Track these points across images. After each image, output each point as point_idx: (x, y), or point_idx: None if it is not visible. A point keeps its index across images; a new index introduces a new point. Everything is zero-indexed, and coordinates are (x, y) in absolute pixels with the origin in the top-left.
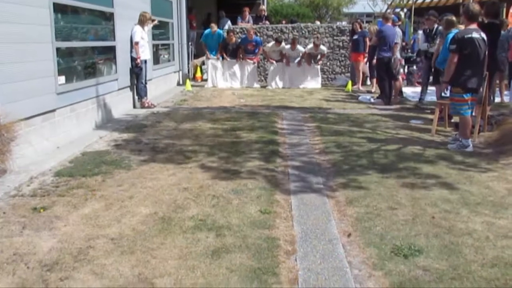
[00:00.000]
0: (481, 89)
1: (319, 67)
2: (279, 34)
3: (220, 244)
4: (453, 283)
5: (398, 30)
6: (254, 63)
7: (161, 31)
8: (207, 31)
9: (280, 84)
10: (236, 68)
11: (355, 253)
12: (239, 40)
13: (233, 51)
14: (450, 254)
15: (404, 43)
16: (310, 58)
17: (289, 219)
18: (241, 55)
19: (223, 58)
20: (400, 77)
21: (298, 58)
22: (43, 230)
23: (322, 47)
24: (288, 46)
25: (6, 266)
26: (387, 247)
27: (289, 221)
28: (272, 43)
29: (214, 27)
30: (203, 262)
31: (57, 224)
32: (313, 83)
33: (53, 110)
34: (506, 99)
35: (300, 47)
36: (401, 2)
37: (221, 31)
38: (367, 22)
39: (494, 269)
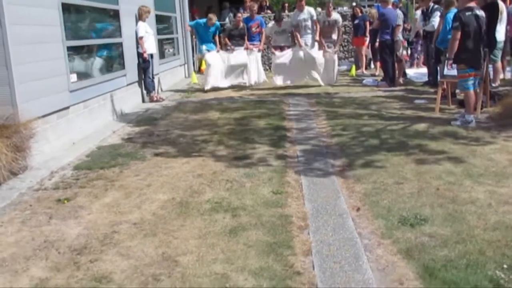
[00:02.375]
0: (482, 65)
1: (336, 56)
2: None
3: (237, 223)
4: (457, 247)
5: (399, 12)
6: (259, 51)
7: (164, 25)
8: (200, 20)
9: (289, 80)
10: (242, 60)
11: (364, 225)
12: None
13: (239, 38)
14: (454, 221)
15: (406, 25)
16: (322, 37)
17: (300, 198)
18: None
19: (227, 48)
20: (403, 59)
21: (312, 39)
22: (69, 219)
23: (335, 15)
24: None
25: (39, 252)
26: (394, 218)
27: (300, 200)
28: (271, 23)
29: (212, 18)
30: (222, 240)
31: (82, 213)
32: (326, 77)
33: (67, 107)
34: (508, 75)
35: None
36: None
37: (218, 24)
38: (368, 6)
39: (496, 232)
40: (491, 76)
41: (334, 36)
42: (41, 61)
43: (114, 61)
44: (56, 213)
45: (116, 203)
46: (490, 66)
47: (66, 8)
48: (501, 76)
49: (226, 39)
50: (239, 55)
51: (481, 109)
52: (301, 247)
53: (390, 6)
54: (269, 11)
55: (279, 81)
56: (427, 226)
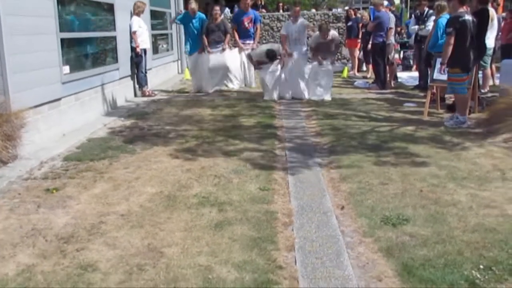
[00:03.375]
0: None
1: (331, 67)
2: (276, 22)
3: (223, 217)
4: (436, 247)
5: (392, 16)
6: (253, 50)
7: (159, 21)
8: (179, 16)
9: (288, 94)
10: (228, 61)
11: (347, 223)
12: (230, 19)
13: (218, 36)
14: (435, 222)
15: (399, 29)
16: (318, 52)
17: (286, 195)
18: (234, 40)
19: (207, 50)
20: (394, 62)
21: (305, 49)
22: (57, 208)
23: (333, 32)
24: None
25: (26, 239)
26: (377, 217)
27: (286, 197)
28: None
29: (192, 2)
30: (207, 233)
31: (70, 203)
32: (323, 92)
33: (59, 99)
34: (497, 81)
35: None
36: None
37: (204, 16)
38: (363, 8)
39: (475, 234)
40: (480, 82)
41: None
42: (35, 52)
43: (107, 54)
44: (44, 202)
45: (105, 194)
46: (480, 72)
47: (61, 0)
48: (491, 82)
49: (205, 38)
50: (216, 56)
51: (469, 114)
52: (285, 243)
53: (383, 9)
54: (263, 10)
55: (276, 95)
56: (408, 226)
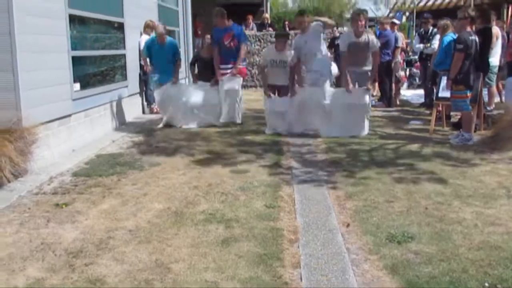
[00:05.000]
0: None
1: (367, 96)
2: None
3: (229, 234)
4: (441, 264)
5: (399, 35)
6: (236, 76)
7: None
8: (149, 39)
9: (299, 128)
10: (207, 94)
11: (352, 240)
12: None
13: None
14: (440, 240)
15: (405, 46)
16: (350, 62)
17: (292, 212)
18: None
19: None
20: (401, 80)
21: (334, 70)
22: (66, 223)
23: (368, 34)
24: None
25: (36, 253)
26: (383, 235)
27: (292, 214)
28: (268, 47)
29: (159, 28)
30: (214, 249)
31: (79, 218)
32: (356, 127)
33: (69, 115)
34: (504, 98)
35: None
36: (403, 6)
37: (175, 42)
38: (369, 26)
39: (480, 252)
40: (486, 100)
41: (368, 66)
42: (47, 69)
43: (116, 72)
44: (53, 217)
45: (113, 210)
46: (485, 89)
47: (73, 19)
48: (497, 99)
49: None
50: (195, 89)
51: (475, 131)
52: (291, 260)
53: (388, 28)
54: (270, 29)
55: (280, 129)
56: (413, 244)
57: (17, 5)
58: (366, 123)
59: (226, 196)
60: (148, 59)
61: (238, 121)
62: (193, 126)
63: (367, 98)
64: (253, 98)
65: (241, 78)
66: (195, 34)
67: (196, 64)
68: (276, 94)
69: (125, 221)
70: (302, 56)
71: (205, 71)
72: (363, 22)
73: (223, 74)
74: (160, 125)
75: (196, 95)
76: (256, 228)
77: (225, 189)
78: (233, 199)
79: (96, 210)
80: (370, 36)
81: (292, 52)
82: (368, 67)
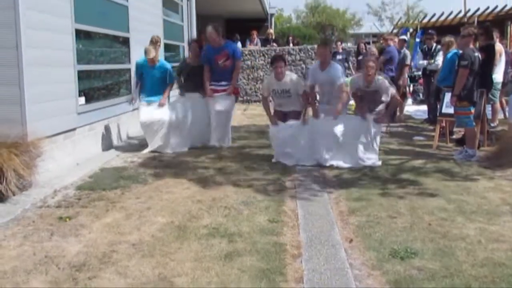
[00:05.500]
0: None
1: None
2: (286, 56)
3: (232, 248)
4: (444, 280)
5: (407, 52)
6: (229, 95)
7: (171, 53)
8: (140, 59)
9: (307, 160)
10: (195, 115)
11: (356, 256)
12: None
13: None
14: (444, 256)
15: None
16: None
17: (295, 227)
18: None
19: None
20: (408, 96)
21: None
22: (70, 237)
23: (379, 81)
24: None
25: (39, 266)
26: (386, 251)
27: (296, 229)
28: (268, 77)
29: (151, 52)
30: (217, 264)
31: (82, 231)
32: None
33: (74, 129)
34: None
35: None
36: (407, 22)
37: (167, 66)
38: (373, 42)
39: (484, 269)
40: (489, 116)
41: (381, 106)
42: (52, 83)
43: (121, 86)
44: (57, 230)
45: (116, 223)
46: (489, 106)
47: (79, 34)
48: (501, 115)
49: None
50: (183, 110)
51: (478, 148)
52: (293, 275)
53: (392, 44)
54: (274, 44)
55: (287, 160)
56: (416, 260)
57: (24, 20)
58: (376, 150)
59: (230, 211)
60: (137, 82)
61: (227, 144)
62: (183, 149)
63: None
64: (257, 113)
65: (234, 98)
66: (200, 49)
67: (181, 74)
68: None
69: (128, 235)
70: (318, 86)
71: (192, 78)
72: (374, 71)
73: (215, 91)
74: (145, 151)
75: (184, 113)
76: (259, 243)
77: (228, 203)
78: (236, 213)
79: (99, 224)
80: (380, 82)
81: (297, 79)
82: (380, 107)
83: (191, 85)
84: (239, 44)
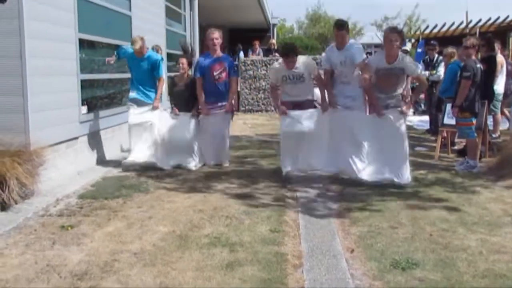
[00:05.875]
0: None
1: (403, 124)
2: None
3: (233, 258)
4: None
5: None
6: (227, 112)
7: (174, 63)
8: (126, 47)
9: (321, 163)
10: (190, 131)
11: (357, 266)
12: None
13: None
14: (445, 267)
15: None
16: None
17: (296, 237)
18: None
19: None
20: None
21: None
22: (72, 245)
23: (402, 55)
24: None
25: (41, 275)
26: (387, 261)
27: (297, 239)
28: (277, 63)
29: (137, 43)
30: (218, 273)
31: (84, 240)
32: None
33: (76, 138)
34: (506, 125)
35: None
36: (409, 33)
37: (157, 57)
38: (375, 52)
39: (485, 280)
40: (491, 127)
41: (399, 90)
42: (55, 92)
43: (124, 95)
44: (59, 239)
45: (118, 232)
46: (490, 116)
47: (82, 43)
48: (506, 126)
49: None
50: (178, 123)
51: (480, 159)
52: (294, 285)
53: None
54: (276, 54)
55: (292, 166)
56: (418, 270)
57: (28, 29)
58: (407, 165)
59: (231, 220)
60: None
61: (227, 164)
62: (167, 167)
63: (402, 123)
64: (259, 123)
65: (230, 116)
66: (189, 65)
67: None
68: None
69: (130, 244)
70: (335, 70)
71: (180, 102)
72: (398, 44)
73: (208, 113)
74: (127, 160)
75: (172, 128)
76: (260, 253)
77: (229, 213)
78: (237, 223)
79: (101, 233)
80: (406, 57)
81: (308, 58)
82: (399, 92)
83: (180, 106)
84: (241, 54)
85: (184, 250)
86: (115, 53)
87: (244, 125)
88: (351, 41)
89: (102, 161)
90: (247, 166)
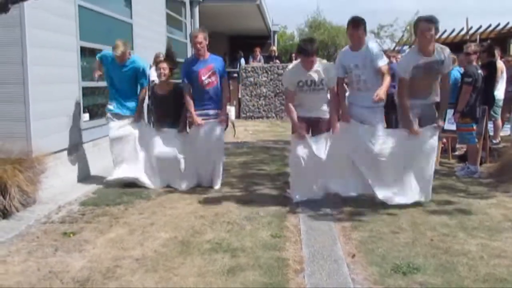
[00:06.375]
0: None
1: (435, 141)
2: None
3: (235, 263)
4: None
5: None
6: (218, 124)
7: (175, 70)
8: (106, 52)
9: (340, 188)
10: (180, 148)
11: (358, 271)
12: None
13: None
14: (446, 272)
15: None
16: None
17: (298, 242)
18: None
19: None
20: None
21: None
22: (74, 252)
23: (441, 50)
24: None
25: (44, 282)
26: (388, 266)
27: (298, 244)
28: (292, 67)
29: (118, 48)
30: (220, 279)
31: (86, 247)
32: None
33: (78, 145)
34: (507, 131)
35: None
36: (409, 40)
37: (142, 63)
38: None
39: (485, 284)
40: (491, 133)
41: (435, 97)
42: (57, 100)
43: None
44: (61, 246)
45: (120, 239)
46: (490, 122)
47: (84, 51)
48: (508, 132)
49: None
50: (165, 139)
51: (481, 164)
52: None
53: (394, 61)
54: (277, 61)
55: (307, 193)
56: (419, 275)
57: (30, 38)
58: (430, 184)
59: (232, 226)
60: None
61: (217, 186)
62: (155, 186)
63: (435, 139)
64: (261, 129)
65: (223, 128)
66: (171, 70)
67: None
68: (310, 133)
69: (132, 250)
70: (349, 75)
71: (162, 114)
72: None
73: (200, 122)
74: (110, 178)
75: (158, 145)
76: (261, 258)
77: (231, 218)
78: (239, 228)
79: (103, 239)
80: (443, 47)
81: (329, 64)
82: (434, 97)
83: (161, 118)
84: (242, 61)
85: (185, 256)
86: (97, 58)
87: (245, 131)
88: (370, 42)
89: (103, 167)
90: (248, 171)
